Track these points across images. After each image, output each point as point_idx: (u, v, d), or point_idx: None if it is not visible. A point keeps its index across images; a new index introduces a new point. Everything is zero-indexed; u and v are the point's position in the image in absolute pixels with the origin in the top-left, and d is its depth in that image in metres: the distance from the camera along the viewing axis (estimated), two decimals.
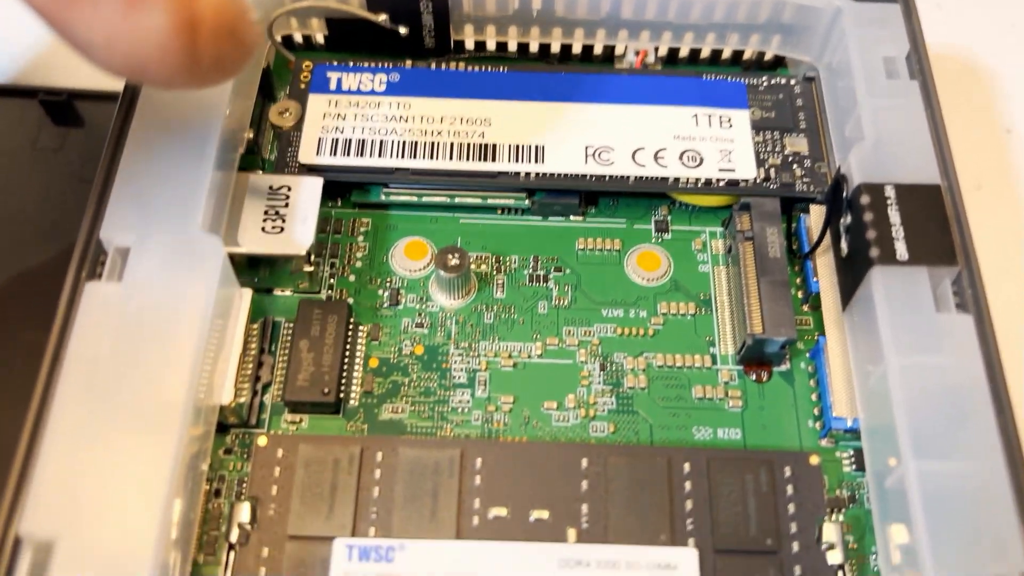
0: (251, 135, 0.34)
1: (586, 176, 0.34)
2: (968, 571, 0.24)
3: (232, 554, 0.28)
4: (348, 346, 0.31)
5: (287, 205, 0.32)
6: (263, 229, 0.32)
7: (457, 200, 0.35)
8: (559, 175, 0.34)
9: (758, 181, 0.34)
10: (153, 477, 0.25)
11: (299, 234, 0.32)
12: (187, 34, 0.22)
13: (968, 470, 0.26)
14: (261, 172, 0.34)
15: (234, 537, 0.28)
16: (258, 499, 0.28)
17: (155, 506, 0.25)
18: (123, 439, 0.25)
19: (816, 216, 0.33)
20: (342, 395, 0.31)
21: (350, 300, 0.33)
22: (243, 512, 0.28)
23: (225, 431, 0.30)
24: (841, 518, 0.29)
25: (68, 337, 0.26)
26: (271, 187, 0.33)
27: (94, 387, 0.26)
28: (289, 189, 0.33)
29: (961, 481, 0.26)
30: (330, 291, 0.33)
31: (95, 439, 0.25)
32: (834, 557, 0.28)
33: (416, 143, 0.34)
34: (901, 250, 0.29)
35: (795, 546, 0.28)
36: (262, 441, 0.29)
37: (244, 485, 0.29)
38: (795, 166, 0.34)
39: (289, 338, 0.32)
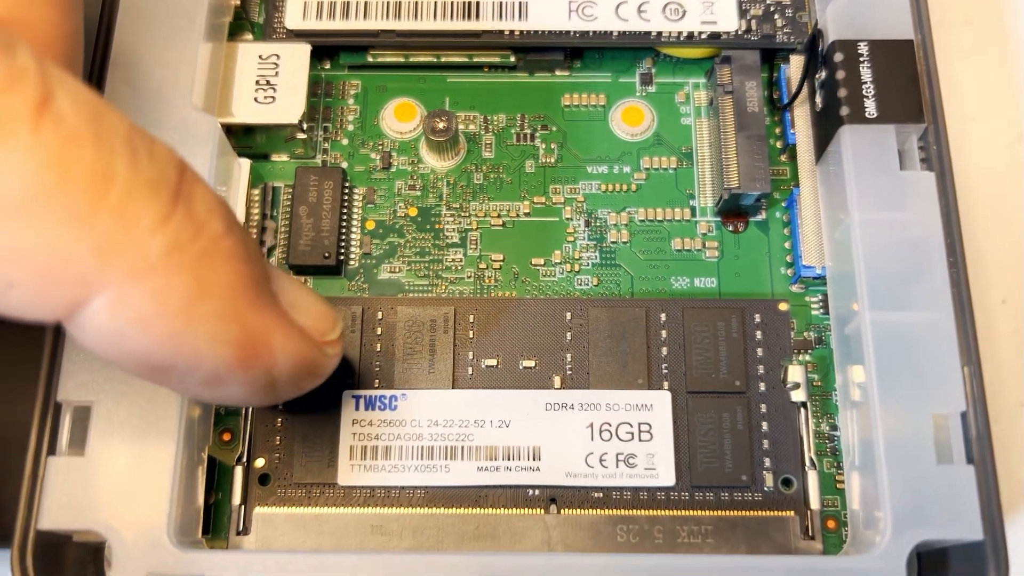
0: (238, 1, 0.35)
1: (570, 32, 0.34)
2: (914, 410, 0.27)
3: (250, 406, 0.31)
4: (345, 210, 0.33)
5: (277, 74, 0.33)
6: (255, 99, 0.33)
7: (443, 60, 0.35)
8: (543, 32, 0.34)
9: (740, 33, 0.34)
10: None
11: (290, 103, 0.33)
12: (266, 392, 0.23)
13: (919, 319, 0.28)
14: (251, 37, 0.35)
15: (237, 404, 0.31)
16: None
17: None
18: None
19: (796, 67, 0.34)
20: (342, 257, 0.33)
21: (344, 164, 0.34)
22: None
23: None
24: (808, 358, 0.32)
25: None
26: (260, 56, 0.33)
27: None
28: (278, 57, 0.33)
29: (912, 329, 0.28)
30: (325, 156, 0.35)
31: None
32: (798, 395, 0.31)
33: (400, 3, 0.34)
34: (871, 108, 0.30)
35: (762, 386, 0.31)
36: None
37: None
38: (776, 16, 0.34)
39: (288, 202, 0.34)
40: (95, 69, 0.30)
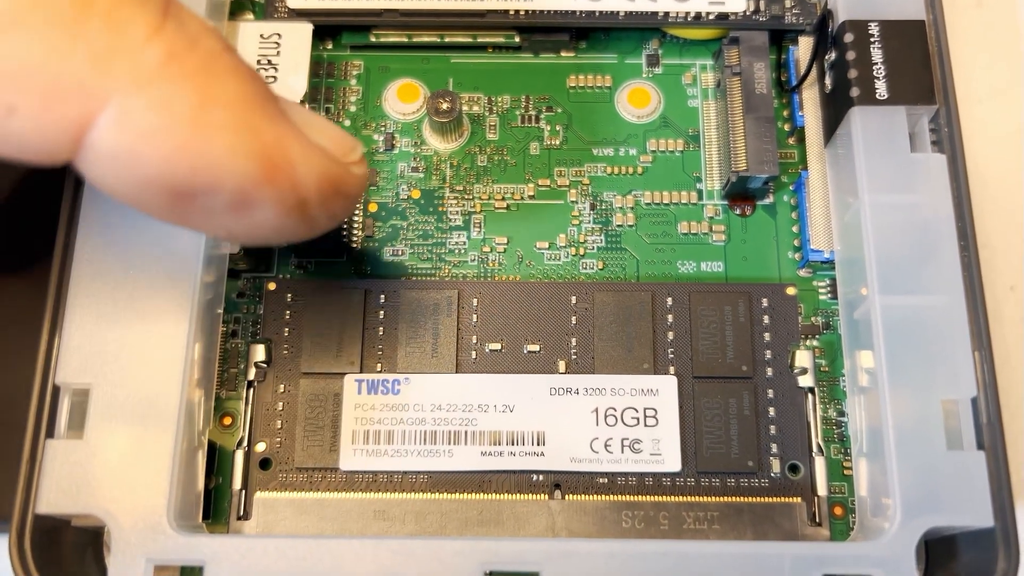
0: None
1: (575, 12, 0.34)
2: (924, 395, 0.27)
3: (251, 390, 0.30)
4: None
5: (278, 53, 0.33)
6: None
7: (447, 39, 0.35)
8: (548, 12, 0.34)
9: (748, 13, 0.33)
10: (174, 322, 0.27)
11: (292, 83, 0.32)
12: (297, 214, 0.22)
13: (930, 303, 0.27)
14: (252, 16, 0.35)
15: (252, 375, 0.30)
16: (272, 340, 0.31)
17: (178, 348, 0.27)
18: (143, 289, 0.27)
19: (805, 48, 0.33)
20: (344, 240, 0.32)
21: None
22: (258, 352, 0.31)
23: (236, 277, 0.32)
24: (815, 343, 0.31)
25: (80, 201, 0.28)
26: (262, 35, 0.33)
27: (111, 245, 0.27)
28: (280, 37, 0.33)
29: (923, 313, 0.27)
30: None
31: (117, 289, 0.27)
32: (805, 381, 0.30)
33: None
34: (881, 89, 0.29)
35: (769, 372, 0.30)
36: (271, 286, 0.31)
37: (258, 327, 0.31)
38: None
39: None
40: None
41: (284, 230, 0.23)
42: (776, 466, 0.29)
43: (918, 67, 0.29)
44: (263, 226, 0.22)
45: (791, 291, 0.31)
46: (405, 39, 0.35)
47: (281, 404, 0.30)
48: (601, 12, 0.34)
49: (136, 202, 0.21)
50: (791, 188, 0.33)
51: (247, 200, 0.21)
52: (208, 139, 0.20)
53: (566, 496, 0.29)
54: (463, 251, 0.33)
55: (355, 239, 0.33)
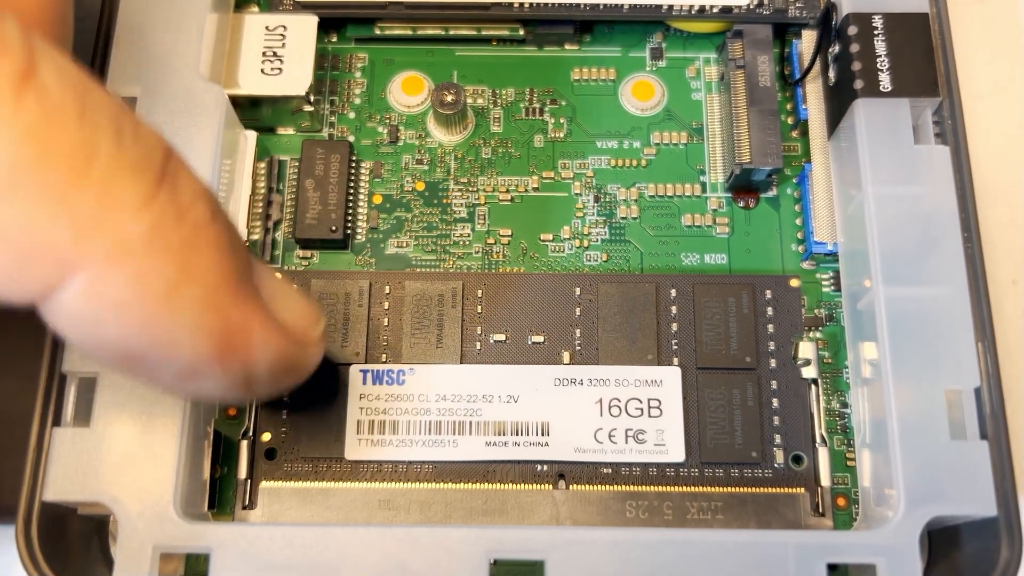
0: None
1: (580, 5, 0.34)
2: (928, 386, 0.27)
3: None
4: (352, 184, 0.33)
5: (284, 45, 0.33)
6: (262, 71, 0.32)
7: (451, 32, 0.35)
8: (552, 4, 0.34)
9: (751, 7, 0.34)
10: None
11: (297, 74, 0.32)
12: (242, 389, 0.22)
13: (933, 294, 0.28)
14: (257, 8, 0.35)
15: (210, 400, 0.30)
16: None
17: None
18: None
19: (808, 42, 0.33)
20: (349, 231, 0.32)
21: (351, 138, 0.34)
22: None
23: None
24: (818, 335, 0.31)
25: None
26: (267, 27, 0.33)
27: None
28: (285, 29, 0.33)
29: (926, 304, 0.27)
30: (331, 129, 0.34)
31: None
32: (809, 372, 0.30)
33: None
34: (885, 82, 0.29)
35: (772, 363, 0.30)
36: (276, 277, 0.31)
37: None
38: None
39: (295, 176, 0.33)
40: (101, 38, 0.30)
41: (226, 397, 0.24)
42: (779, 457, 0.30)
43: (922, 60, 0.30)
44: (205, 393, 0.23)
45: (795, 283, 0.31)
46: (409, 32, 0.35)
47: (286, 394, 0.30)
48: (605, 5, 0.34)
49: (83, 349, 0.21)
50: (794, 181, 0.34)
51: (195, 374, 0.21)
52: (173, 316, 0.19)
53: (570, 486, 0.29)
54: (467, 243, 0.33)
55: (359, 231, 0.33)
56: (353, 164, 0.33)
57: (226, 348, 0.20)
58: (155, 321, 0.19)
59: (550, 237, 0.33)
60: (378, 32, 0.35)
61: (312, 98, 0.33)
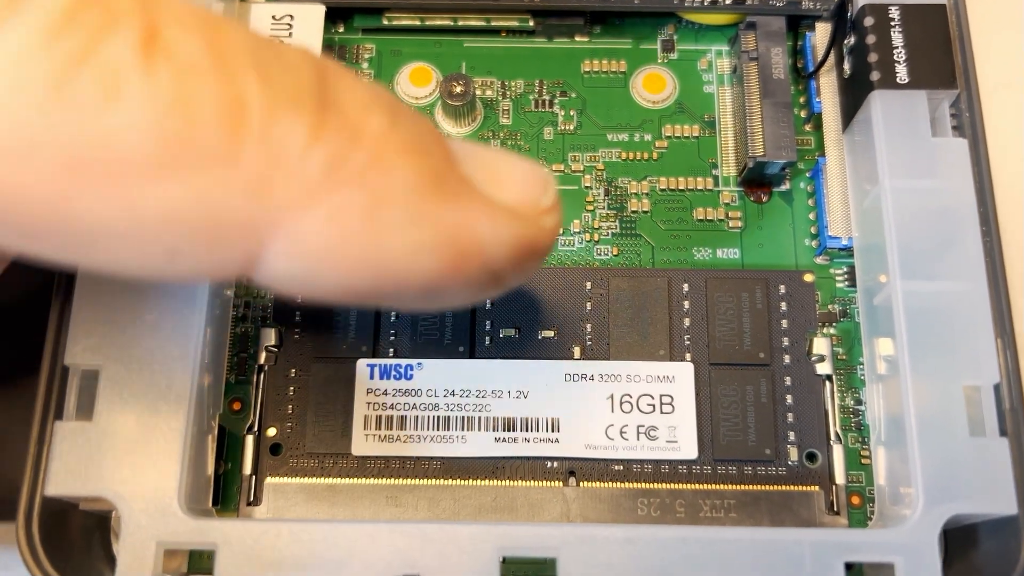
0: None
1: None
2: (946, 382, 0.26)
3: (262, 375, 0.30)
4: None
5: (290, 35, 0.32)
6: None
7: (460, 23, 0.34)
8: None
9: None
10: (184, 304, 0.27)
11: None
12: (492, 286, 0.20)
13: (952, 289, 0.27)
14: None
15: (262, 359, 0.30)
16: (283, 325, 0.30)
17: (188, 330, 0.26)
18: None
19: (822, 34, 0.33)
20: None
21: None
22: (270, 337, 0.30)
23: None
24: (832, 331, 0.31)
25: None
26: (273, 17, 0.33)
27: None
28: (292, 18, 0.33)
29: (944, 299, 0.27)
30: None
31: None
32: (823, 368, 0.30)
33: None
34: (902, 73, 0.29)
35: (786, 359, 0.30)
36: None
37: (269, 311, 0.31)
38: None
39: None
40: None
41: (477, 299, 0.22)
42: (793, 454, 0.29)
43: (939, 51, 0.29)
44: (457, 302, 0.21)
45: (808, 278, 0.31)
46: (418, 22, 0.34)
47: (292, 389, 0.30)
48: None
49: (318, 301, 0.19)
50: (808, 175, 0.33)
51: (437, 290, 0.19)
52: (386, 244, 0.18)
53: (581, 483, 0.29)
54: None
55: None
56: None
57: (456, 257, 0.18)
58: (369, 254, 0.18)
59: (560, 231, 0.32)
60: (386, 22, 0.34)
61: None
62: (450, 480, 0.29)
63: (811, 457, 0.29)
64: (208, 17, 0.17)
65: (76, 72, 0.15)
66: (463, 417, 0.29)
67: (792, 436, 0.29)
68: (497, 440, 0.29)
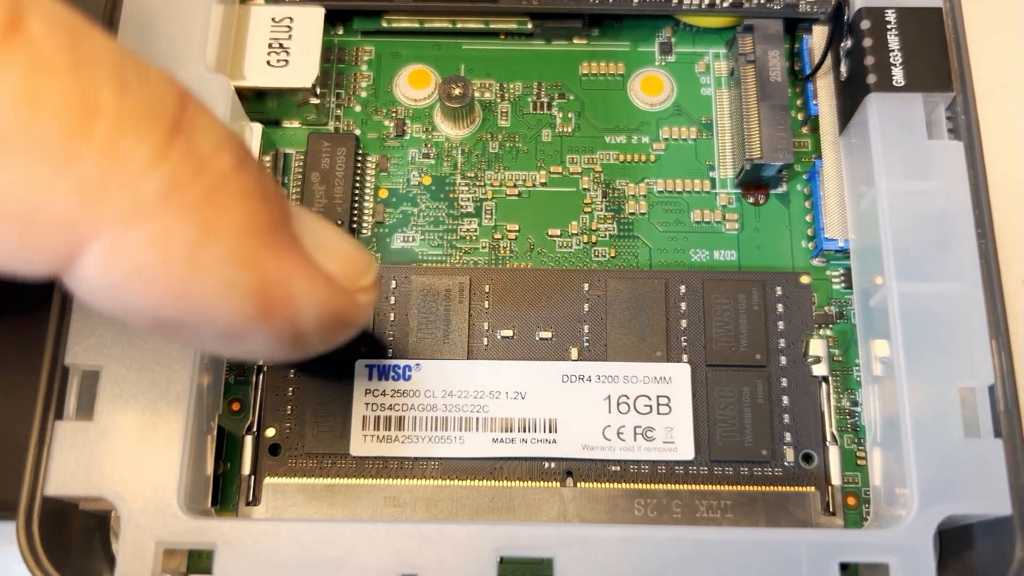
0: None
1: None
2: (941, 383, 0.26)
3: (260, 376, 0.30)
4: (358, 177, 0.32)
5: (290, 37, 0.32)
6: (268, 63, 0.32)
7: (459, 25, 0.35)
8: None
9: (762, 1, 0.33)
10: None
11: (303, 66, 0.32)
12: (291, 346, 0.21)
13: (947, 291, 0.27)
14: (262, 1, 0.34)
15: (261, 360, 0.30)
16: None
17: None
18: None
19: (819, 37, 0.33)
20: (355, 225, 0.32)
21: (357, 131, 0.34)
22: None
23: None
24: (828, 333, 0.31)
25: None
26: (273, 19, 0.33)
27: None
28: (291, 20, 0.33)
29: (940, 301, 0.27)
30: (337, 122, 0.34)
31: None
32: (819, 370, 0.30)
33: None
34: (898, 76, 0.29)
35: (783, 360, 0.30)
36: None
37: None
38: None
39: (300, 169, 0.33)
40: (105, 27, 0.29)
41: (275, 356, 0.23)
42: (790, 455, 0.29)
43: (935, 54, 0.29)
44: (253, 354, 0.21)
45: (805, 280, 0.31)
46: (417, 25, 0.35)
47: (291, 389, 0.30)
48: None
49: (120, 319, 0.19)
50: (804, 177, 0.33)
51: (238, 335, 0.19)
52: (202, 277, 0.18)
53: (578, 484, 0.29)
54: (474, 238, 0.32)
55: (365, 225, 0.32)
56: (359, 158, 0.33)
57: (265, 305, 0.19)
58: (183, 284, 0.18)
59: (558, 232, 0.32)
60: (385, 25, 0.35)
61: (318, 91, 0.33)
62: (448, 480, 0.29)
63: (807, 458, 0.29)
64: (78, 22, 0.17)
65: None
66: (461, 418, 0.29)
67: (788, 437, 0.29)
68: (495, 441, 0.29)
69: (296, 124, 0.34)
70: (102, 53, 0.17)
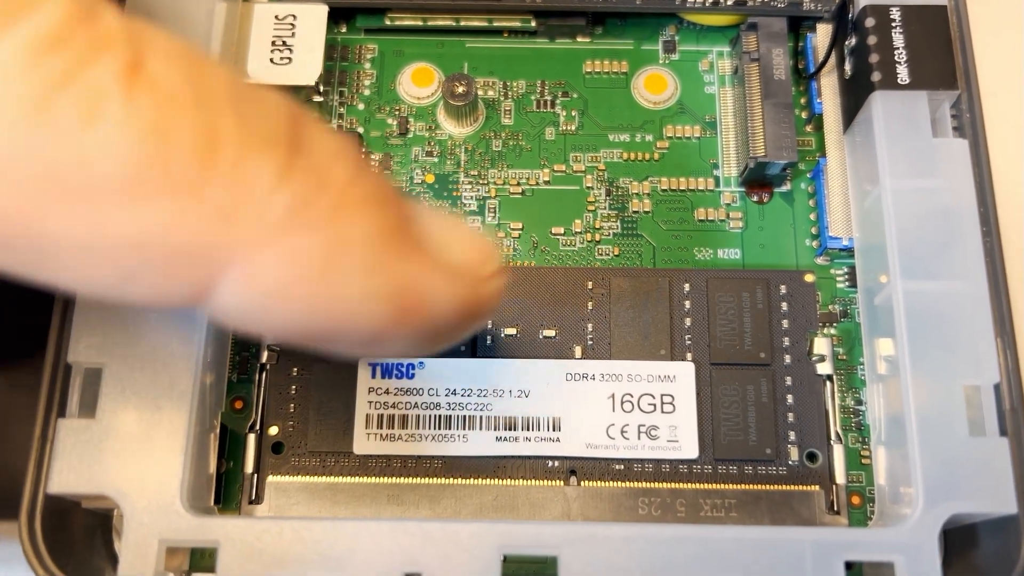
0: None
1: None
2: (946, 381, 0.26)
3: (263, 374, 0.30)
4: None
5: (293, 35, 0.32)
6: (271, 60, 0.32)
7: (463, 23, 0.35)
8: None
9: (766, 0, 0.33)
10: None
11: (307, 64, 0.32)
12: (431, 342, 0.21)
13: (952, 289, 0.27)
14: None
15: (264, 358, 0.30)
16: None
17: (192, 328, 0.27)
18: None
19: (823, 35, 0.33)
20: None
21: (360, 129, 0.34)
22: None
23: None
24: (833, 331, 0.31)
25: None
26: (276, 16, 0.33)
27: None
28: (295, 18, 0.33)
29: (945, 300, 0.27)
30: (340, 120, 0.34)
31: None
32: (823, 368, 0.30)
33: None
34: (903, 74, 0.29)
35: (787, 359, 0.30)
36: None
37: None
38: None
39: None
40: None
41: (414, 353, 0.23)
42: (794, 454, 0.29)
43: (940, 52, 0.29)
44: (393, 353, 0.22)
45: (809, 278, 0.31)
46: (420, 23, 0.35)
47: (294, 387, 0.30)
48: None
49: (265, 338, 0.20)
50: (808, 176, 0.33)
51: (379, 339, 0.20)
52: (338, 288, 0.18)
53: (582, 482, 0.29)
54: None
55: None
56: (362, 156, 0.33)
57: (402, 308, 0.19)
58: (320, 298, 0.18)
59: (561, 231, 0.32)
60: (388, 23, 0.35)
61: (321, 89, 0.33)
62: (451, 479, 0.29)
63: (811, 457, 0.29)
64: (192, 54, 0.17)
65: (59, 93, 0.16)
66: (464, 416, 0.29)
67: (792, 436, 0.29)
68: (498, 439, 0.29)
69: None
70: (218, 81, 0.17)
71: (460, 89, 0.32)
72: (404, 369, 0.30)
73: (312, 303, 0.18)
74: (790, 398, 0.30)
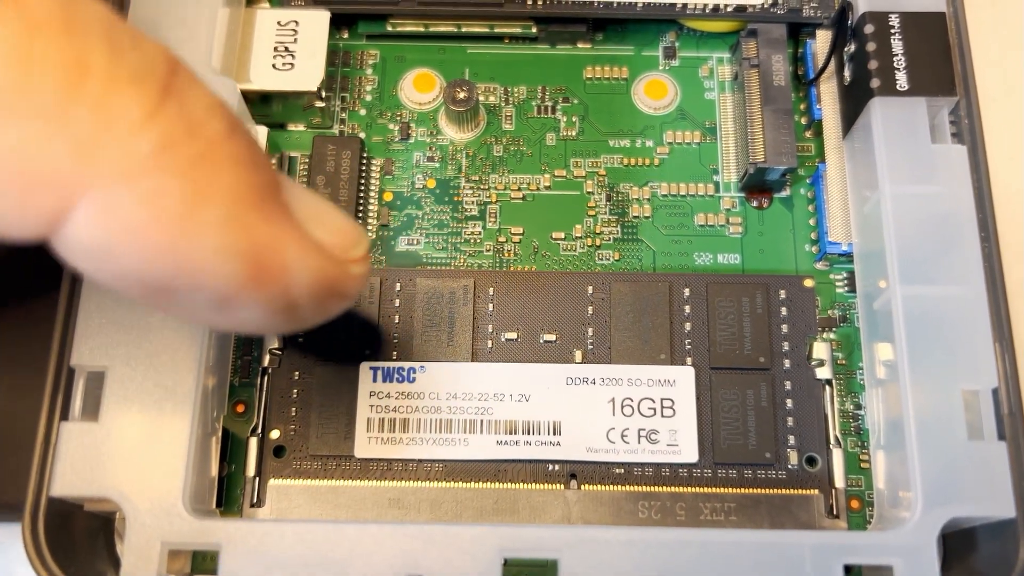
0: None
1: (593, 3, 0.34)
2: (945, 386, 0.27)
3: (265, 378, 0.30)
4: (363, 181, 0.33)
5: (295, 40, 0.33)
6: (274, 66, 0.32)
7: (464, 30, 0.35)
8: (565, 2, 0.34)
9: (765, 6, 0.33)
10: None
11: (309, 70, 0.32)
12: (285, 314, 0.20)
13: (951, 294, 0.27)
14: (268, 3, 0.34)
15: (266, 362, 0.30)
16: None
17: (194, 331, 0.27)
18: None
19: (822, 41, 0.33)
20: None
21: (362, 135, 0.34)
22: (273, 339, 0.30)
23: None
24: (832, 336, 0.31)
25: None
26: (279, 22, 0.33)
27: None
28: (297, 24, 0.33)
29: (943, 304, 0.27)
30: (342, 126, 0.34)
31: None
32: (823, 373, 0.30)
33: None
34: (902, 80, 0.29)
35: (786, 363, 0.30)
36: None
37: None
38: None
39: (305, 172, 0.33)
40: None
41: (270, 327, 0.23)
42: (793, 458, 0.29)
43: (939, 59, 0.29)
44: (246, 323, 0.21)
45: (809, 283, 0.31)
46: (422, 29, 0.35)
47: (295, 391, 0.30)
48: (619, 3, 0.34)
49: (110, 287, 0.19)
50: (808, 181, 0.33)
51: (230, 301, 0.19)
52: (194, 238, 0.18)
53: (582, 486, 0.29)
54: (478, 241, 0.32)
55: (370, 228, 0.33)
56: (364, 161, 0.33)
57: (257, 269, 0.19)
58: (175, 245, 0.18)
59: (562, 235, 0.33)
60: (390, 29, 0.35)
61: (323, 94, 0.33)
62: (452, 483, 0.29)
63: (811, 461, 0.29)
64: None
65: None
66: (465, 420, 0.29)
67: (792, 440, 0.29)
68: (499, 443, 0.29)
69: (301, 127, 0.34)
70: (94, 17, 0.17)
71: (461, 95, 0.32)
72: (405, 373, 0.30)
73: (163, 250, 0.18)
74: (789, 402, 0.30)
